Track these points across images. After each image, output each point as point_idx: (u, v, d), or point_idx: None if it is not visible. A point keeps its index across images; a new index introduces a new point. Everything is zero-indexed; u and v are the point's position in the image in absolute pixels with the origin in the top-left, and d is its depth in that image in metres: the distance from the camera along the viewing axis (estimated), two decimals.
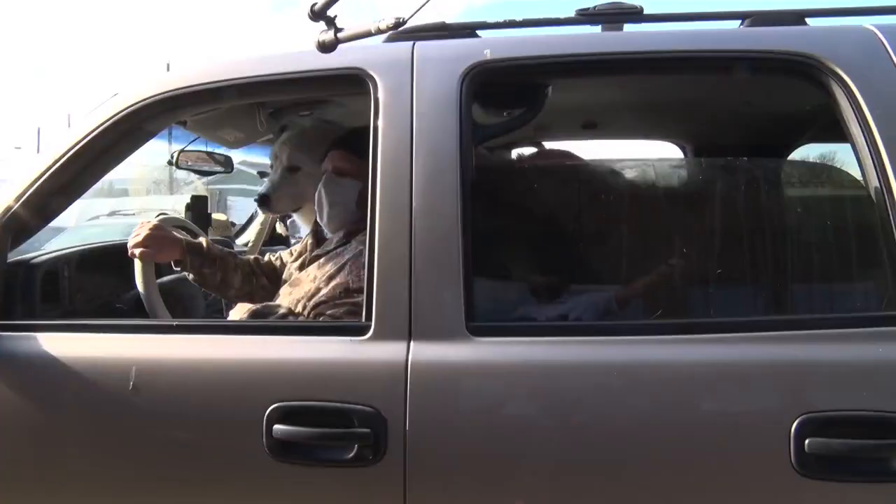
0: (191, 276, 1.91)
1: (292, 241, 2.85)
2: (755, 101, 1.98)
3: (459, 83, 1.31)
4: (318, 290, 1.59)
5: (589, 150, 2.66)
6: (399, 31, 1.47)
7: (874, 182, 1.22)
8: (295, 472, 1.23)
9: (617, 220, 1.40)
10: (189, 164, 2.66)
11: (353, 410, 1.20)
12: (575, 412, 1.18)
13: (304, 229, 2.15)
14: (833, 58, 1.27)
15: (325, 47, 1.17)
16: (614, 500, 1.19)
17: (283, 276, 1.90)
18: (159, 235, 1.83)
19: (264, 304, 1.66)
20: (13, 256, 1.57)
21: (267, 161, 3.16)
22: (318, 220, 1.82)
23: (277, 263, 2.04)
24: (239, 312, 1.61)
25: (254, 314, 1.55)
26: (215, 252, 1.91)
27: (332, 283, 1.61)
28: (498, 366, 1.19)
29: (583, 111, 1.76)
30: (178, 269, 1.89)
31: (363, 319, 1.27)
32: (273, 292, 1.88)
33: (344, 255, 1.68)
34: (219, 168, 2.77)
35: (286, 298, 1.71)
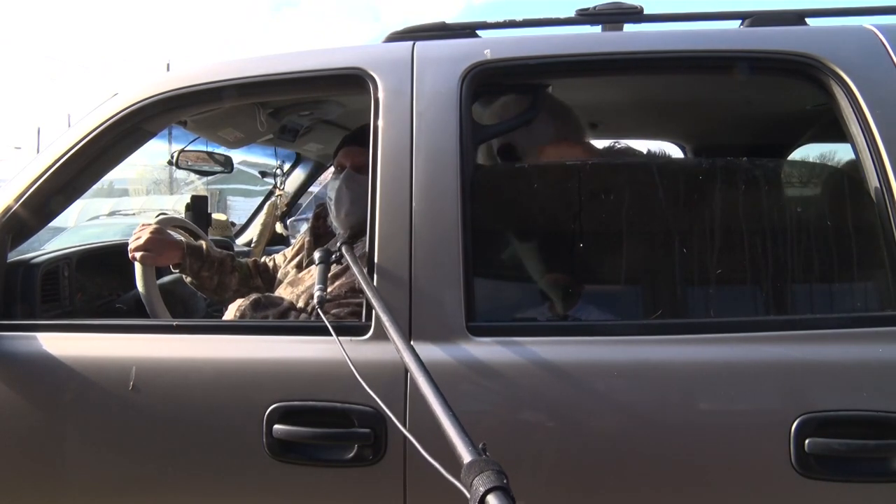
0: (188, 279, 1.91)
1: (292, 240, 2.85)
2: (755, 101, 1.98)
3: (459, 83, 1.31)
4: None
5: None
6: (400, 31, 1.48)
7: (874, 182, 1.22)
8: (295, 472, 1.23)
9: (617, 220, 1.39)
10: (189, 164, 2.65)
11: (353, 410, 1.20)
12: (575, 412, 1.18)
13: None
14: (833, 58, 1.27)
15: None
16: (614, 499, 1.19)
17: (279, 277, 1.90)
18: (160, 239, 1.83)
19: (266, 294, 1.65)
20: (13, 256, 1.57)
21: (267, 161, 3.17)
22: (331, 217, 1.79)
23: (271, 265, 2.04)
24: (233, 310, 1.58)
25: (255, 303, 1.54)
26: (214, 255, 1.91)
27: (338, 283, 1.60)
28: (498, 366, 1.19)
29: (583, 111, 1.76)
30: (177, 271, 1.89)
31: (363, 319, 1.27)
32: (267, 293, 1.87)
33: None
34: (219, 168, 2.77)
35: (286, 297, 1.70)
